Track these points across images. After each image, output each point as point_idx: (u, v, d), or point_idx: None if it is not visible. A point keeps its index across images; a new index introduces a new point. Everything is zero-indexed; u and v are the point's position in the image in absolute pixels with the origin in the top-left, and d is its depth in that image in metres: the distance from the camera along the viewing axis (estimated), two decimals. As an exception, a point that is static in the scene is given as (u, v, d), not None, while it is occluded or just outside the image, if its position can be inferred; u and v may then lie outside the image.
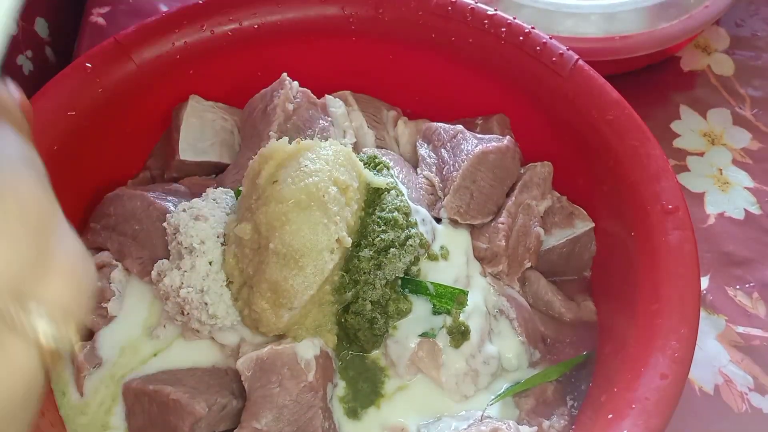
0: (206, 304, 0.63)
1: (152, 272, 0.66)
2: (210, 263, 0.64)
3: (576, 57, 0.74)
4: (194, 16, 0.77)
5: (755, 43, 1.04)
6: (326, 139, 0.72)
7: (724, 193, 0.90)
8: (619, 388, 0.60)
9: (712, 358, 0.78)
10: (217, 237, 0.65)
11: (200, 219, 0.65)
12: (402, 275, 0.66)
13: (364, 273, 0.64)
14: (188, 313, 0.63)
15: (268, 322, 0.63)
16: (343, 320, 0.65)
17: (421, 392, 0.66)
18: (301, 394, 0.61)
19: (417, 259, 0.67)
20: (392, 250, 0.65)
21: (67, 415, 0.65)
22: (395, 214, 0.66)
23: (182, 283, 0.63)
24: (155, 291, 0.66)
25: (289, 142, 0.65)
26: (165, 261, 0.66)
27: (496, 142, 0.74)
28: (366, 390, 0.65)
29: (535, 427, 0.63)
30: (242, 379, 0.61)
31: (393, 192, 0.68)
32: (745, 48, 1.03)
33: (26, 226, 0.24)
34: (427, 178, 0.74)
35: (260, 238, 0.62)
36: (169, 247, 0.66)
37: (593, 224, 0.74)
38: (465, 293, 0.66)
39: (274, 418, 0.60)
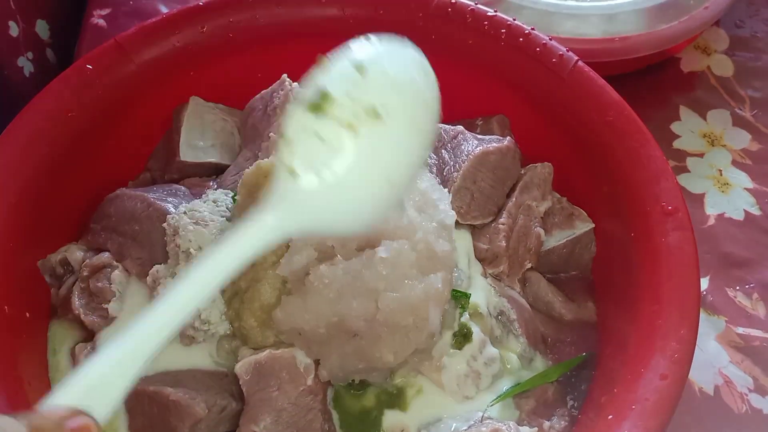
0: (198, 309, 0.63)
1: (148, 278, 0.66)
2: None
3: (576, 58, 0.74)
4: (194, 18, 0.77)
5: (755, 44, 1.04)
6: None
7: (723, 194, 0.90)
8: (619, 388, 0.60)
9: (712, 359, 0.78)
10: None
11: (200, 223, 0.65)
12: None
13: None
14: (182, 320, 0.63)
15: (255, 340, 0.63)
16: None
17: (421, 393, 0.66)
18: (300, 397, 0.61)
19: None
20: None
21: (54, 377, 0.67)
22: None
23: None
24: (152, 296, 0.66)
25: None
26: (160, 267, 0.66)
27: (497, 142, 0.74)
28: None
29: (536, 428, 0.63)
30: (240, 383, 0.61)
31: None
32: (744, 49, 1.03)
33: None
34: (427, 179, 0.74)
35: None
36: (167, 248, 0.66)
37: (593, 225, 0.74)
38: (467, 296, 0.66)
39: (273, 421, 0.60)
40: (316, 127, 0.48)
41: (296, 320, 0.60)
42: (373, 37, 0.52)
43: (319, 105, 0.48)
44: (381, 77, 0.49)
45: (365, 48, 0.51)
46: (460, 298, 0.66)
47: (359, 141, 0.48)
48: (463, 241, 0.71)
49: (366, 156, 0.48)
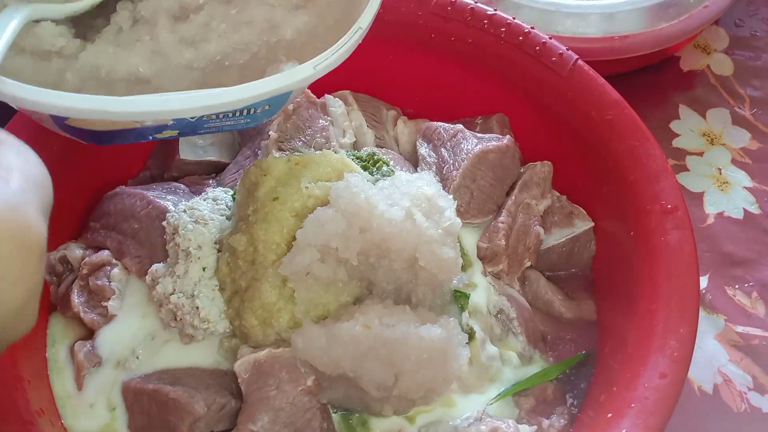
0: (197, 308, 0.63)
1: (147, 277, 0.65)
2: (204, 269, 0.64)
3: (575, 57, 0.74)
4: (194, 16, 0.77)
5: (754, 43, 1.04)
6: (326, 139, 0.73)
7: (723, 193, 0.90)
8: (619, 387, 0.60)
9: (712, 358, 0.78)
10: (215, 243, 0.65)
11: (200, 222, 0.65)
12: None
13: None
14: (181, 319, 0.63)
15: (256, 338, 0.63)
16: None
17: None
18: (299, 397, 0.61)
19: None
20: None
21: (52, 369, 0.67)
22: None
23: (174, 290, 0.63)
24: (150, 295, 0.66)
25: (290, 141, 0.65)
26: (159, 267, 0.65)
27: (496, 141, 0.74)
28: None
29: (535, 427, 0.63)
30: (239, 381, 0.61)
31: None
32: (744, 48, 1.03)
33: None
34: (426, 178, 0.74)
35: (256, 253, 0.62)
36: (167, 247, 0.66)
37: (593, 224, 0.74)
38: (467, 296, 0.66)
39: (271, 420, 0.60)
40: None
41: (313, 357, 0.60)
42: None
43: None
44: None
45: None
46: (459, 297, 0.66)
47: None
48: (465, 239, 0.71)
49: None
